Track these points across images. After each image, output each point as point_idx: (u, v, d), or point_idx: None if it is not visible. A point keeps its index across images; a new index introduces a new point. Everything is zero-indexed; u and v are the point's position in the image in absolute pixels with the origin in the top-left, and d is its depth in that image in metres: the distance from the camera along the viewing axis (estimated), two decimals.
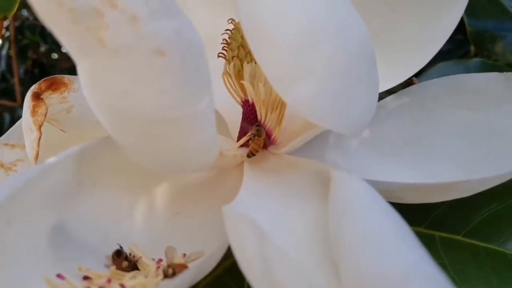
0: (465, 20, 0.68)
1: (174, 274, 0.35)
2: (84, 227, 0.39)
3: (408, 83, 0.50)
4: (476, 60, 0.68)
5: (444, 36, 0.46)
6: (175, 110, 0.32)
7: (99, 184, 0.40)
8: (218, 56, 0.46)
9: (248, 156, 0.43)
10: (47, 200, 0.37)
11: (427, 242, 0.38)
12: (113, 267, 0.37)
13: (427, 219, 0.43)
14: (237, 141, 0.45)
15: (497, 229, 0.41)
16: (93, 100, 0.33)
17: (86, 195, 0.39)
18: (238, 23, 0.45)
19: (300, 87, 0.32)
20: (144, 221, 0.41)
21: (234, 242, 0.32)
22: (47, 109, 0.42)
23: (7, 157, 0.49)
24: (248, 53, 0.43)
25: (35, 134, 0.41)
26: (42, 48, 1.89)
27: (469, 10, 0.66)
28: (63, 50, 1.74)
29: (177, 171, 0.41)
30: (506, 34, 0.68)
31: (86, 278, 0.35)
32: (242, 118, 0.46)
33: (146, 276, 0.35)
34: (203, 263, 0.34)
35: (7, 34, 1.65)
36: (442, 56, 0.69)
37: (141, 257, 0.37)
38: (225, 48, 0.45)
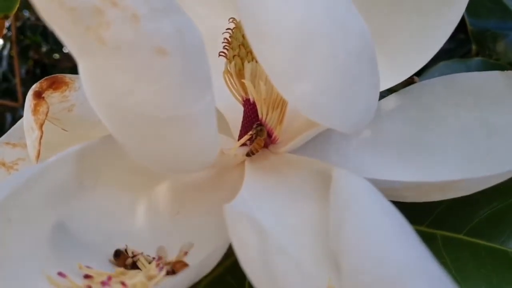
0: (467, 19, 0.68)
1: (174, 272, 0.35)
2: (85, 225, 0.39)
3: (409, 82, 0.50)
4: (477, 59, 0.68)
5: (445, 35, 0.46)
6: (175, 109, 0.32)
7: (100, 183, 0.40)
8: (219, 55, 0.46)
9: (249, 155, 0.43)
10: (48, 198, 0.37)
11: (429, 240, 0.38)
12: (114, 266, 0.37)
13: (429, 218, 0.43)
14: (238, 140, 0.45)
15: (498, 228, 0.41)
16: (94, 99, 0.33)
17: (87, 194, 0.40)
18: (239, 22, 0.45)
19: (301, 85, 0.32)
20: (145, 220, 0.41)
21: (235, 240, 0.32)
22: (48, 108, 0.42)
23: (9, 156, 0.49)
24: (249, 52, 0.43)
25: (37, 133, 0.41)
26: (44, 49, 1.90)
27: (470, 9, 0.67)
28: (65, 50, 1.75)
29: (178, 170, 0.41)
30: (508, 33, 0.68)
31: (87, 276, 0.35)
32: (243, 117, 0.46)
33: (146, 275, 0.35)
34: (204, 262, 0.34)
35: (9, 34, 1.65)
36: (443, 55, 0.70)
37: (141, 255, 0.37)
38: (226, 47, 0.45)
